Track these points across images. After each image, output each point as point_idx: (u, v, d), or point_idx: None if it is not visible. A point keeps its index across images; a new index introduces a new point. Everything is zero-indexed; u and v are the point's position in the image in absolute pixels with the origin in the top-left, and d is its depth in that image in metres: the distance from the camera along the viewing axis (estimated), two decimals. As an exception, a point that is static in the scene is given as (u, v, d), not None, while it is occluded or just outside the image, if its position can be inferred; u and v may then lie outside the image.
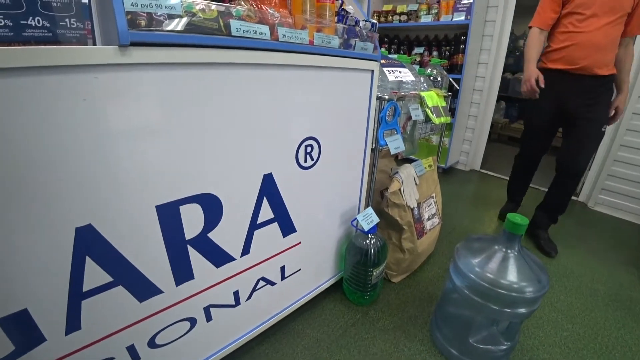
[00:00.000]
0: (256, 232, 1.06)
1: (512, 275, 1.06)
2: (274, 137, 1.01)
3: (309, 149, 1.14)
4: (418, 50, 3.42)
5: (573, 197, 3.05)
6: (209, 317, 1.05)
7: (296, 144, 1.09)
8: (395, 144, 1.44)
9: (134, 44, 0.63)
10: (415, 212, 1.66)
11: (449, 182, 3.27)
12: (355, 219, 1.39)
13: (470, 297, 1.12)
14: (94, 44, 0.65)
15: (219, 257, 0.98)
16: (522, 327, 1.47)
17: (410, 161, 1.70)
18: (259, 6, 0.84)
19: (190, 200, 0.85)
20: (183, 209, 0.84)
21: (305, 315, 1.42)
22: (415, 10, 3.23)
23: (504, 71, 3.40)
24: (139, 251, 0.80)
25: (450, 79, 2.04)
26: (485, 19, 3.09)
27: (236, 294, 1.10)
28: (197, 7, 0.69)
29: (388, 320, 1.43)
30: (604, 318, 1.59)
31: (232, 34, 0.77)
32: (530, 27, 1.97)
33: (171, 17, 0.67)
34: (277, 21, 0.86)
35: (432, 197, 1.84)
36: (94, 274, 0.74)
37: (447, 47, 3.26)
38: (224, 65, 0.80)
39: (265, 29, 0.83)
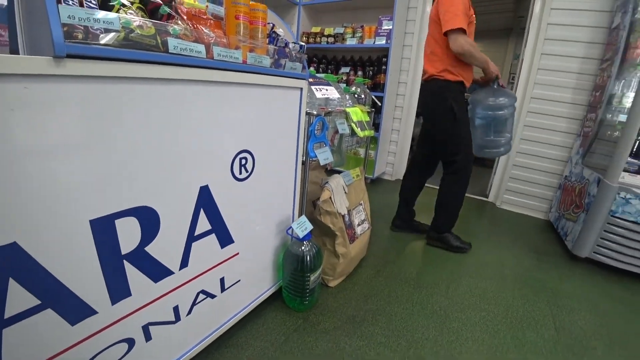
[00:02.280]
0: (194, 244, 1.07)
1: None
2: (209, 150, 1.04)
3: (243, 161, 1.19)
4: (344, 70, 3.65)
5: (483, 198, 3.49)
6: (148, 337, 1.03)
7: (231, 156, 1.13)
8: (324, 155, 1.56)
9: (70, 56, 0.64)
10: (346, 219, 1.78)
11: (377, 192, 3.51)
12: (290, 227, 1.45)
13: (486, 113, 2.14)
14: (13, 51, 0.64)
15: (157, 271, 0.97)
16: (449, 311, 1.67)
17: (340, 172, 1.83)
18: (195, 26, 0.88)
19: (127, 214, 0.85)
20: (119, 222, 0.84)
21: (248, 326, 1.44)
22: (342, 33, 3.48)
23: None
24: (71, 269, 0.77)
25: (373, 97, 2.23)
26: (404, 43, 3.45)
27: (176, 309, 1.09)
28: (135, 24, 0.72)
29: (328, 322, 1.51)
30: (512, 297, 1.87)
31: (170, 51, 0.80)
32: (452, 30, 1.86)
33: (108, 31, 0.69)
34: (212, 41, 0.92)
35: (361, 204, 1.98)
36: (19, 298, 0.70)
37: (371, 67, 3.55)
38: (161, 81, 0.83)
39: (201, 47, 0.88)
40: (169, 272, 1.01)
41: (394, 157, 3.86)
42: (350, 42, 3.40)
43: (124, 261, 0.88)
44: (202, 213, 1.07)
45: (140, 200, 0.88)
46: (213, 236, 1.14)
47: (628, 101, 2.35)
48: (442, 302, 1.76)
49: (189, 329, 1.17)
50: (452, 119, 2.09)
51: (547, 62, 2.91)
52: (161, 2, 0.82)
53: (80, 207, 0.76)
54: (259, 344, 1.36)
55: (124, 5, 0.73)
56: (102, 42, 0.69)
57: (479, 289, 1.92)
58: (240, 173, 1.19)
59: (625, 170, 2.23)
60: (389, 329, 1.51)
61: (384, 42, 3.19)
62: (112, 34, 0.70)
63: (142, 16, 0.77)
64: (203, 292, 1.16)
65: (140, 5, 0.78)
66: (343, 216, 1.74)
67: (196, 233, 1.07)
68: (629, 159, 2.21)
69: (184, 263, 1.06)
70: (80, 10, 0.62)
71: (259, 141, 1.24)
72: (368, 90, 2.15)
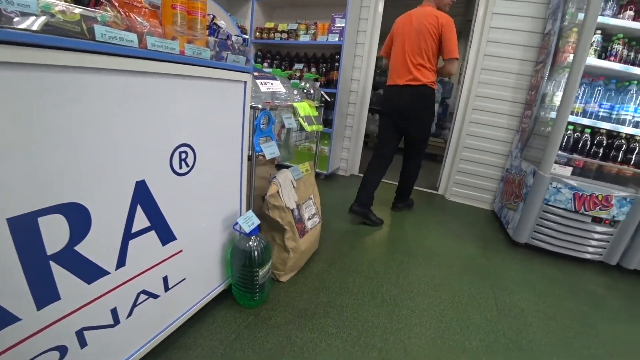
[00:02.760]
0: (131, 242, 1.03)
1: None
2: (145, 144, 1.00)
3: (183, 155, 1.16)
4: (298, 66, 3.66)
5: (433, 191, 3.66)
6: (83, 343, 0.97)
7: (169, 150, 1.10)
8: (270, 150, 1.55)
9: None
10: (296, 213, 1.79)
11: (331, 187, 3.55)
12: (237, 222, 1.44)
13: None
14: None
15: (90, 271, 0.92)
16: (398, 300, 1.74)
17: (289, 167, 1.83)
18: (127, 14, 0.85)
19: (52, 211, 0.80)
20: (42, 220, 0.78)
21: (197, 326, 1.40)
22: (295, 30, 3.48)
23: (377, 88, 3.86)
24: (-14, 272, 0.72)
25: (322, 92, 2.26)
26: (356, 41, 3.51)
27: (114, 312, 1.04)
28: (56, 8, 0.68)
29: (279, 317, 1.51)
30: (458, 282, 1.99)
31: (97, 39, 0.76)
32: (455, 58, 2.37)
33: (25, 15, 0.64)
34: (146, 30, 0.88)
35: (311, 199, 2.00)
36: None
37: (324, 64, 3.58)
38: (87, 70, 0.78)
39: (132, 36, 0.84)
40: (104, 273, 0.96)
41: (347, 152, 3.92)
42: (304, 38, 3.41)
43: (50, 262, 0.82)
44: (139, 209, 1.03)
45: (67, 196, 0.83)
46: (153, 233, 1.10)
47: (558, 99, 2.55)
48: (392, 290, 1.82)
49: (131, 331, 1.12)
50: (432, 120, 2.65)
51: (489, 62, 3.10)
52: (86, -13, 0.78)
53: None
54: (209, 343, 1.33)
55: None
56: (18, 26, 0.64)
57: (427, 276, 2.01)
58: (181, 167, 1.16)
59: (556, 162, 2.42)
60: (340, 320, 1.54)
61: (336, 39, 3.23)
62: (30, 19, 0.66)
63: (67, 1, 0.72)
64: (144, 292, 1.12)
65: (63, -11, 0.73)
66: (292, 210, 1.74)
67: (133, 230, 1.03)
68: (559, 152, 2.40)
69: (121, 262, 1.01)
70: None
71: (201, 135, 1.21)
72: (317, 86, 2.17)
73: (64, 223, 0.83)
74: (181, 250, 1.24)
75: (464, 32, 7.32)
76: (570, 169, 2.45)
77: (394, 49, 2.51)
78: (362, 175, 3.06)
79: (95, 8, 0.80)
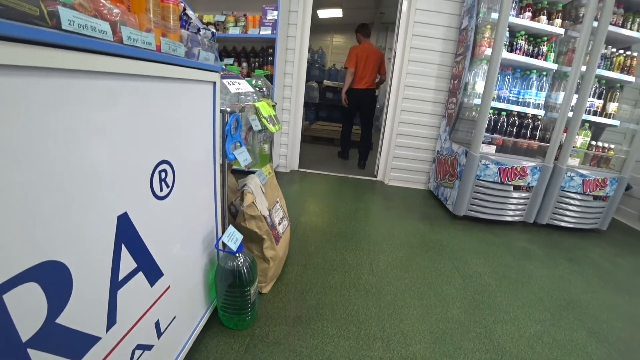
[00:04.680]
0: (120, 292, 0.77)
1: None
2: (124, 166, 0.75)
3: (163, 174, 0.92)
4: (227, 61, 3.35)
5: (373, 178, 3.72)
6: None
7: (149, 170, 0.85)
8: (243, 156, 1.37)
9: None
10: (268, 220, 1.61)
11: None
12: (219, 240, 1.23)
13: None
14: None
15: (78, 345, 0.66)
16: (380, 287, 1.74)
17: (250, 172, 1.64)
18: (91, -5, 0.59)
19: (21, 280, 0.53)
20: (10, 297, 0.52)
21: (190, 364, 1.17)
22: (223, 22, 3.13)
23: (308, 80, 3.74)
24: None
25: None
26: (288, 34, 3.31)
27: (103, 383, 0.78)
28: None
29: (277, 332, 1.34)
30: (422, 259, 2.10)
31: (63, 28, 0.51)
32: (385, 74, 4.26)
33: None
34: (117, 18, 0.64)
35: (278, 202, 1.83)
36: None
37: (256, 58, 3.33)
38: (50, 72, 0.53)
39: (105, 26, 0.60)
40: (94, 340, 0.70)
41: (286, 148, 3.75)
42: (234, 31, 3.10)
43: (29, 351, 0.55)
44: (123, 249, 0.78)
45: (40, 254, 0.56)
46: (140, 275, 0.85)
47: (479, 87, 2.74)
48: (371, 280, 1.79)
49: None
50: (375, 105, 4.35)
51: (415, 54, 3.19)
52: (38, -46, 0.51)
53: None
54: (209, 380, 1.12)
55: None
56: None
57: (395, 260, 2.04)
58: (161, 190, 0.91)
59: (482, 142, 2.61)
60: (335, 319, 1.45)
61: (269, 32, 3.00)
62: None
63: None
64: (139, 346, 0.86)
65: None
66: (265, 218, 1.57)
67: (120, 277, 0.77)
68: (485, 133, 2.59)
69: (112, 320, 0.75)
70: None
71: (176, 148, 0.97)
72: (269, 83, 1.97)
73: (38, 293, 0.57)
74: (169, 286, 1.00)
75: (376, 24, 7.62)
76: (494, 147, 2.66)
77: (359, 67, 3.95)
78: (302, 170, 3.88)
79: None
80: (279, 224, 1.76)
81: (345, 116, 4.47)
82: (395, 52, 3.29)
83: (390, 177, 3.58)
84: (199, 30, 1.02)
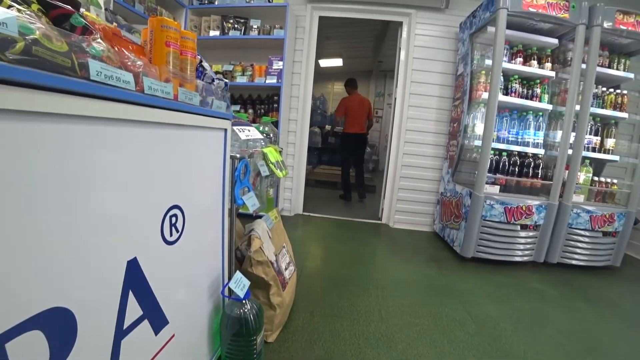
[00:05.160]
0: (124, 341, 0.74)
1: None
2: (136, 212, 0.75)
3: (173, 219, 0.91)
4: (234, 107, 3.46)
5: (377, 221, 3.68)
6: None
7: (161, 216, 0.85)
8: (251, 201, 1.37)
9: None
10: (275, 266, 1.58)
11: (282, 228, 3.32)
12: (225, 286, 1.19)
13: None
14: None
15: (73, 401, 0.62)
16: (390, 335, 1.63)
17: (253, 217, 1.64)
18: (119, 48, 0.63)
19: (26, 328, 0.51)
20: (13, 345, 0.49)
21: None
22: (231, 71, 3.28)
23: (311, 125, 3.84)
24: None
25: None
26: (292, 82, 3.45)
27: None
28: (39, 32, 0.45)
29: (282, 388, 1.26)
30: (432, 305, 1.99)
31: (92, 78, 0.53)
32: (373, 119, 4.94)
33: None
34: (140, 69, 0.67)
35: (284, 247, 1.80)
36: None
37: (262, 105, 3.44)
38: (73, 119, 0.54)
39: (129, 76, 0.63)
40: (91, 396, 0.66)
41: (290, 192, 3.76)
42: (241, 80, 3.23)
43: None
44: (130, 296, 0.75)
45: (45, 300, 0.54)
46: (145, 323, 0.82)
47: (478, 130, 2.81)
48: (381, 327, 1.70)
49: None
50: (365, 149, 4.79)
51: (414, 100, 3.32)
52: (72, 9, 0.55)
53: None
54: None
55: (16, 2, 0.45)
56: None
57: (404, 305, 1.95)
58: (171, 235, 0.91)
59: (486, 183, 2.61)
60: (345, 372, 1.35)
61: (275, 81, 3.14)
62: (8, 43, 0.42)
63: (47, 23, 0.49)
64: None
65: (41, 8, 0.50)
66: (272, 263, 1.53)
67: (125, 325, 0.74)
68: (487, 173, 2.61)
69: (112, 373, 0.71)
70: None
71: (187, 193, 0.97)
72: (276, 129, 2.02)
73: (42, 342, 0.54)
74: (174, 335, 0.95)
75: (374, 72, 7.98)
76: (497, 187, 2.67)
77: (350, 115, 4.51)
78: (307, 214, 3.86)
79: (82, 37, 0.57)
80: (286, 269, 1.71)
81: (344, 159, 4.84)
82: (395, 98, 3.41)
83: (395, 220, 3.55)
84: (213, 80, 1.06)
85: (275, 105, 3.27)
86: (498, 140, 2.74)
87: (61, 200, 0.55)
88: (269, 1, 3.22)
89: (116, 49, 0.62)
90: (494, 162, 2.75)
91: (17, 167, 0.47)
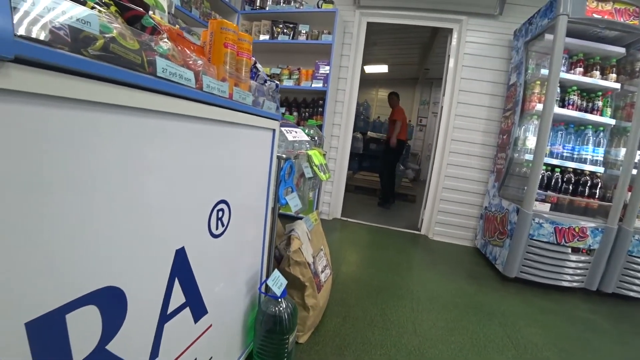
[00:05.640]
0: (166, 325, 0.77)
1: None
2: (187, 203, 0.78)
3: (220, 213, 0.94)
4: (280, 109, 3.53)
5: (416, 231, 3.58)
6: None
7: (209, 209, 0.88)
8: (294, 202, 1.38)
9: (22, 61, 0.38)
10: (312, 267, 1.58)
11: (318, 231, 3.33)
12: (263, 283, 1.21)
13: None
14: None
15: (119, 376, 0.66)
16: (423, 350, 1.55)
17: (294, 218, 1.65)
18: (182, 48, 0.66)
19: (84, 302, 0.55)
20: (72, 317, 0.53)
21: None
22: (278, 74, 3.36)
23: (353, 131, 3.83)
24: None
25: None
26: (338, 87, 3.47)
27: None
28: (116, 31, 0.48)
29: (311, 390, 1.25)
30: (470, 323, 1.89)
31: (158, 75, 0.57)
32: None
33: (77, 33, 0.44)
34: (200, 68, 0.70)
35: (322, 250, 1.80)
36: None
37: (306, 109, 3.48)
38: (142, 112, 0.58)
39: (190, 74, 0.66)
40: (135, 373, 0.69)
41: (329, 196, 3.76)
42: (287, 83, 3.30)
43: None
44: (176, 283, 0.79)
45: (102, 279, 0.58)
46: (187, 310, 0.85)
47: (530, 143, 2.64)
48: (414, 340, 1.64)
49: None
50: None
51: (462, 109, 3.20)
52: (143, 11, 0.58)
53: (9, 306, 0.45)
54: None
55: (98, 4, 0.49)
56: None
57: (440, 321, 1.87)
58: (217, 228, 0.94)
59: (535, 200, 2.45)
60: (374, 382, 1.32)
61: (321, 85, 3.17)
62: (90, 40, 0.45)
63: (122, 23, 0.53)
64: None
65: (118, 10, 0.54)
66: (309, 264, 1.53)
67: (169, 310, 0.77)
68: (538, 190, 2.45)
69: (155, 353, 0.74)
70: (43, -3, 0.37)
71: (235, 189, 1.00)
72: (321, 133, 2.04)
73: (96, 316, 0.58)
74: (211, 325, 0.98)
75: (420, 79, 7.83)
76: (548, 205, 2.49)
77: (404, 123, 4.53)
78: (344, 218, 3.83)
79: (151, 36, 0.61)
80: (322, 272, 1.71)
81: (391, 164, 4.75)
82: (442, 107, 3.31)
83: (435, 232, 3.42)
84: (265, 81, 1.09)
85: (320, 109, 3.30)
86: (551, 155, 2.57)
87: (120, 188, 0.59)
88: (318, 7, 3.27)
89: (179, 48, 0.65)
90: (545, 178, 2.57)
91: (86, 156, 0.51)
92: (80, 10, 0.43)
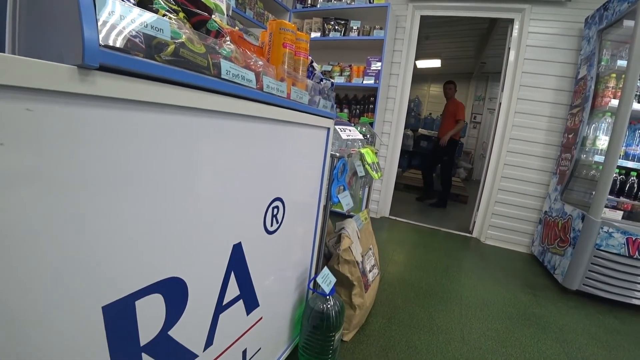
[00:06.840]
0: (222, 316, 0.80)
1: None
2: (245, 200, 0.80)
3: (275, 210, 0.96)
4: (330, 107, 3.53)
5: (467, 234, 3.40)
6: None
7: (265, 206, 0.90)
8: (346, 200, 1.37)
9: (105, 69, 0.40)
10: (360, 266, 1.55)
11: (364, 228, 3.29)
12: (313, 280, 1.21)
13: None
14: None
15: (179, 359, 0.69)
16: (469, 359, 1.46)
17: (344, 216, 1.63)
18: (243, 50, 0.67)
19: (151, 290, 0.58)
20: (141, 303, 0.56)
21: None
22: (329, 71, 3.35)
23: (405, 128, 3.72)
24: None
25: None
26: (389, 84, 3.38)
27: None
28: (185, 36, 0.49)
29: (354, 388, 1.24)
30: (523, 336, 1.75)
31: (222, 77, 0.57)
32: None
33: (150, 40, 0.46)
34: (261, 69, 0.70)
35: (371, 249, 1.77)
36: None
37: (357, 105, 3.44)
38: (205, 113, 0.59)
39: (252, 75, 0.66)
40: (192, 357, 0.72)
41: (378, 194, 3.68)
42: (339, 80, 3.27)
43: (143, 355, 0.59)
44: (232, 276, 0.81)
45: (167, 270, 0.61)
46: (240, 302, 0.87)
47: (601, 143, 2.38)
48: (462, 348, 1.56)
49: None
50: None
51: (522, 106, 2.95)
52: (209, 16, 0.60)
53: (90, 291, 0.49)
54: None
55: (168, 11, 0.51)
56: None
57: (491, 330, 1.75)
58: (272, 225, 0.95)
59: (605, 206, 2.20)
60: (419, 389, 1.27)
61: (372, 81, 3.10)
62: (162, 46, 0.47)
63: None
64: None
65: (185, 16, 0.55)
66: (358, 263, 1.51)
67: (225, 302, 0.80)
68: (609, 195, 2.20)
69: (209, 341, 0.77)
70: (124, 6, 0.38)
71: (289, 187, 1.01)
72: (374, 131, 1.99)
73: (161, 303, 0.61)
74: (261, 318, 1.00)
75: (475, 74, 7.41)
76: (620, 213, 2.23)
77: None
78: (393, 217, 3.73)
79: (216, 39, 0.62)
80: (370, 271, 1.69)
81: (447, 165, 4.47)
82: (500, 103, 3.09)
83: (488, 235, 3.22)
84: (321, 80, 1.08)
85: (371, 106, 3.24)
86: (626, 156, 2.29)
87: (185, 185, 0.61)
88: (370, 2, 3.18)
89: (241, 50, 0.66)
90: (618, 183, 2.30)
91: (159, 156, 0.54)
92: (154, 18, 0.45)
